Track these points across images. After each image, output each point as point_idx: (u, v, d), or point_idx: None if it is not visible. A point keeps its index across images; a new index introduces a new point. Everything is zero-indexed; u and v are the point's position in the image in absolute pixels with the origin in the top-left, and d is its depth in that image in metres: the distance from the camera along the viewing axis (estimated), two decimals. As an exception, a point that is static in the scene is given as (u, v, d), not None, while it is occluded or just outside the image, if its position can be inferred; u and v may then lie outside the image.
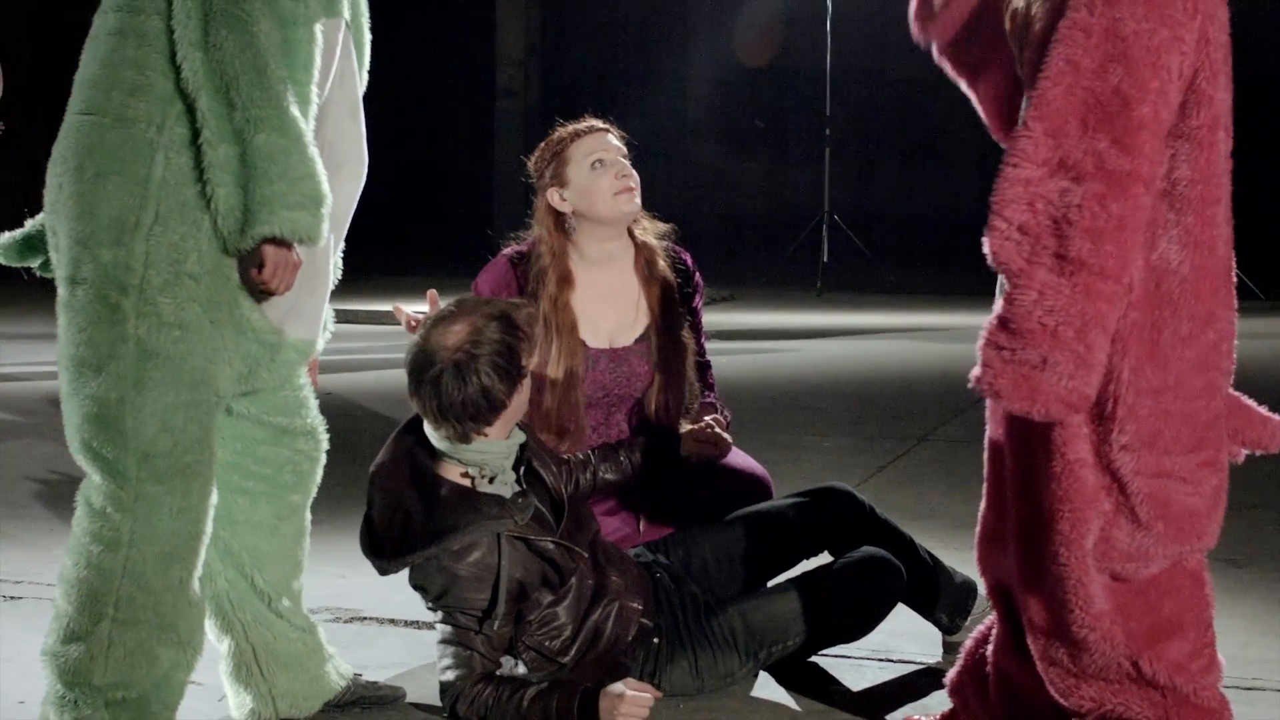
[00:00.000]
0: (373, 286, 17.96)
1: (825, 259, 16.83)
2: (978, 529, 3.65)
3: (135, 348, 3.55)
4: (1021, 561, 3.41)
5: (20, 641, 4.62)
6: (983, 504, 3.65)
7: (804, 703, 4.31)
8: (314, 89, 3.64)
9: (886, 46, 27.09)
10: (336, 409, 4.07)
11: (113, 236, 3.53)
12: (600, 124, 4.76)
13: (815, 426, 8.77)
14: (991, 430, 3.57)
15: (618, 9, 29.02)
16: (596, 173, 4.64)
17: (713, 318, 13.12)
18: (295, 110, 3.51)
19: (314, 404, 3.99)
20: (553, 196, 4.70)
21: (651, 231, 4.84)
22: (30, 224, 3.83)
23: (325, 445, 4.00)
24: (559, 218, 4.71)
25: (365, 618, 5.08)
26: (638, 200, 4.70)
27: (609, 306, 4.77)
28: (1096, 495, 3.25)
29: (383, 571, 4.11)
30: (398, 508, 4.06)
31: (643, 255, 4.79)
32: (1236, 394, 3.50)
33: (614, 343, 4.76)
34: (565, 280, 4.69)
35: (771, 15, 25.36)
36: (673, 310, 4.78)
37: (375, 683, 4.26)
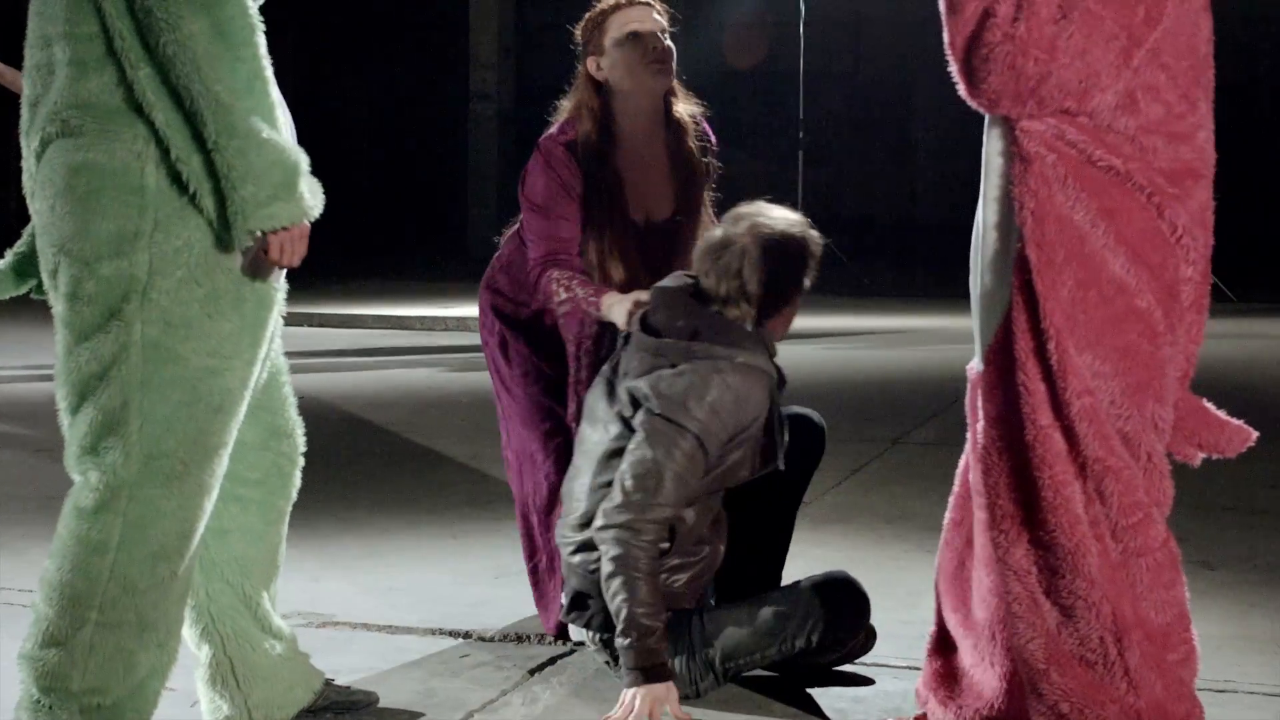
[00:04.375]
0: (345, 289, 17.96)
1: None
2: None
3: (142, 350, 3.56)
4: (989, 551, 3.44)
5: (-8, 647, 4.60)
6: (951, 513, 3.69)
7: (778, 706, 4.32)
8: (261, 59, 3.58)
9: (860, 51, 27.16)
10: (304, 411, 4.07)
11: (113, 249, 3.54)
12: None
13: (789, 429, 8.75)
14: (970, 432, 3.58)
15: (585, 7, 29.00)
16: (631, 44, 4.71)
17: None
18: (240, 103, 3.49)
19: (294, 402, 4.00)
20: (591, 64, 4.78)
21: (685, 110, 4.88)
22: (10, 252, 3.84)
23: (303, 447, 4.00)
24: (597, 85, 4.77)
25: (338, 622, 5.08)
26: (668, 74, 4.75)
27: (641, 178, 4.81)
28: (1068, 458, 3.34)
29: None
30: None
31: (674, 132, 4.85)
32: (1193, 396, 3.53)
33: (649, 216, 4.82)
34: (611, 145, 4.75)
35: (749, 18, 25.39)
36: (695, 193, 4.86)
37: (348, 688, 4.25)
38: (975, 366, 3.58)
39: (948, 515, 3.75)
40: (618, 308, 4.51)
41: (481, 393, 9.84)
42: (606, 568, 4.16)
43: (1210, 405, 3.57)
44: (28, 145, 3.66)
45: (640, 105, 4.79)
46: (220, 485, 3.76)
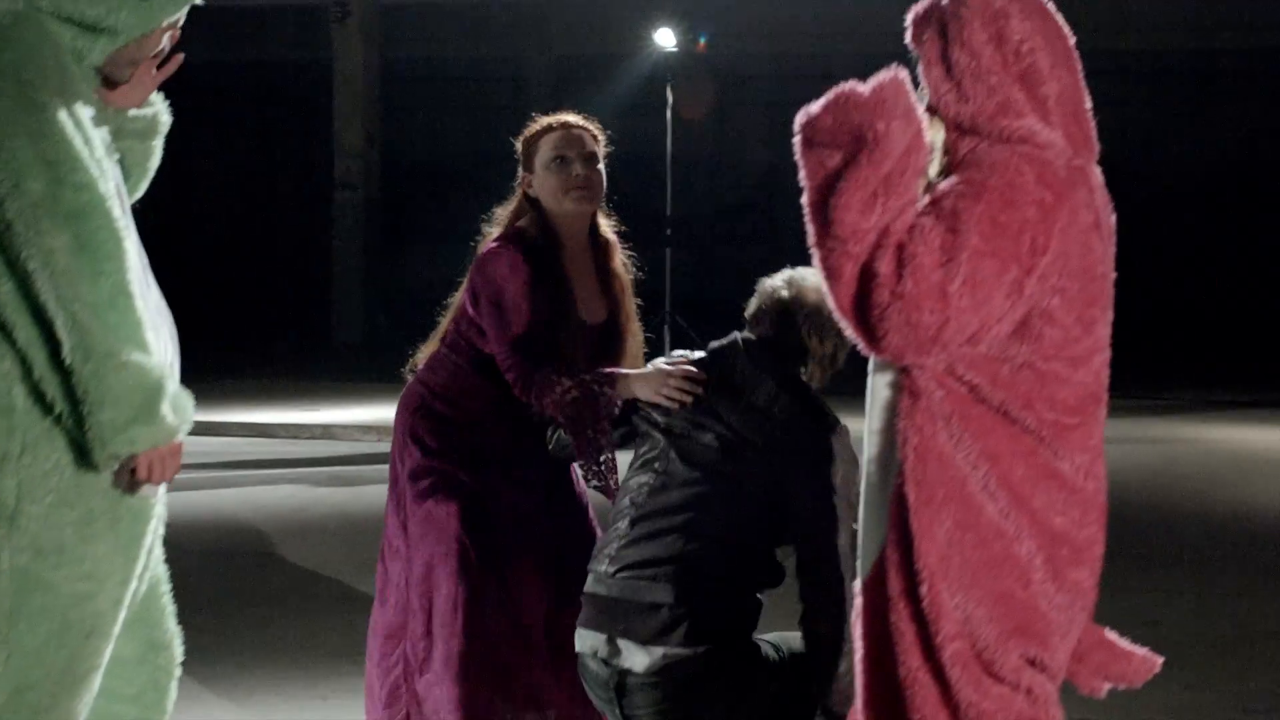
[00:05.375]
0: (209, 389, 17.64)
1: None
2: None
3: (10, 579, 3.44)
4: None
5: None
6: None
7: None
8: (127, 272, 3.46)
9: (725, 136, 27.30)
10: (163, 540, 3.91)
11: None
12: (574, 119, 4.97)
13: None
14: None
15: (452, 96, 28.93)
16: (556, 168, 4.85)
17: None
18: (99, 322, 3.39)
19: (173, 611, 3.86)
20: (525, 181, 4.94)
21: (607, 226, 5.06)
22: None
23: (180, 657, 3.87)
24: (532, 200, 4.93)
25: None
26: (591, 201, 4.90)
27: (577, 285, 4.93)
28: (939, 702, 3.27)
29: None
30: None
31: (601, 249, 5.01)
32: (1096, 627, 3.46)
33: (585, 319, 4.94)
34: (555, 251, 4.89)
35: (618, 104, 25.44)
36: (625, 304, 5.02)
37: None
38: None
39: None
40: (641, 384, 4.54)
41: (349, 516, 9.68)
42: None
43: (1113, 636, 3.50)
44: None
45: (568, 224, 4.92)
46: (95, 702, 3.64)
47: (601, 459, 4.71)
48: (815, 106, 3.24)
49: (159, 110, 3.92)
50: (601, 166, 4.94)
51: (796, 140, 3.27)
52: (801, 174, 3.26)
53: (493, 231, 4.97)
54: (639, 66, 23.45)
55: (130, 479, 3.50)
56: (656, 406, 4.50)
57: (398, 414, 4.97)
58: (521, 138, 4.99)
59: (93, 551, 3.50)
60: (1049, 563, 3.31)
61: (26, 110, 3.40)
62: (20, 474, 3.44)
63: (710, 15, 23.19)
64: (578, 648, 4.41)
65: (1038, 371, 3.29)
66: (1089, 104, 3.41)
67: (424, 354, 5.08)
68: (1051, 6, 3.42)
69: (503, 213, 5.00)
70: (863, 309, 3.19)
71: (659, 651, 4.22)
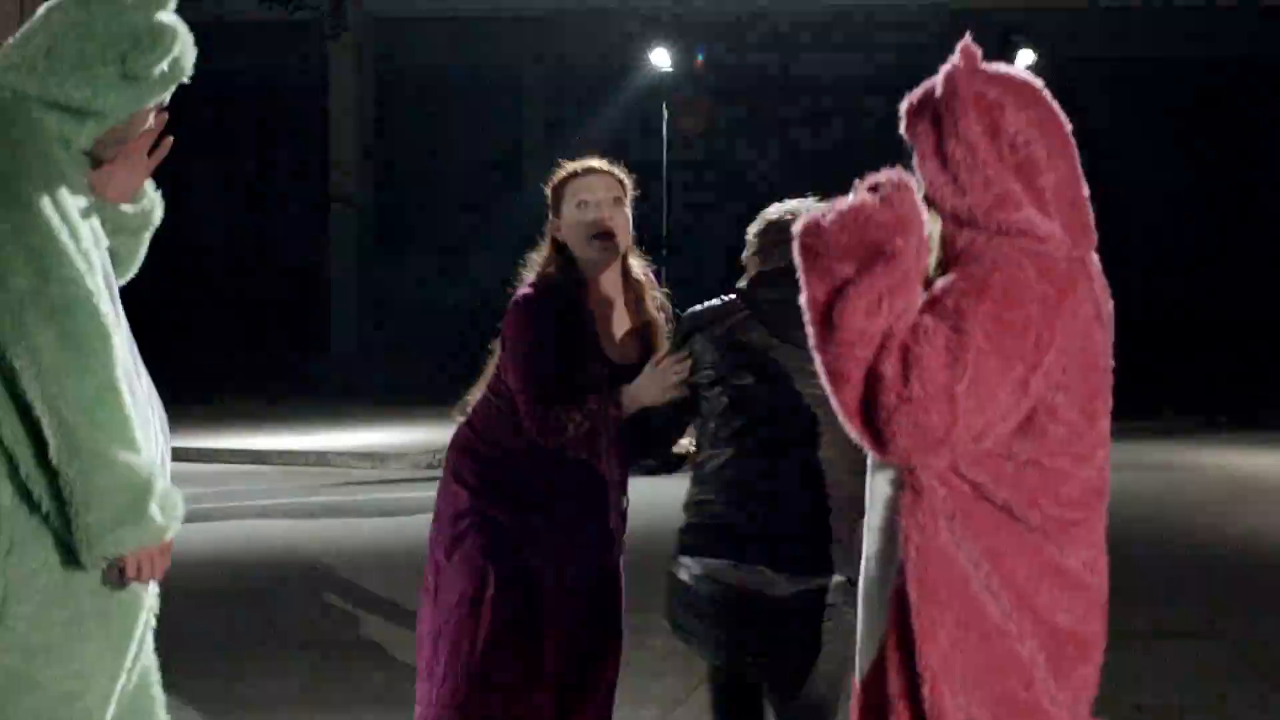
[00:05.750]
0: (204, 413, 17.62)
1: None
2: None
3: (1, 678, 3.38)
4: None
5: None
6: None
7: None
8: (114, 368, 3.40)
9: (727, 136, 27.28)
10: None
11: None
12: (599, 164, 5.01)
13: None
14: None
15: (449, 105, 28.90)
16: (579, 213, 4.90)
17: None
18: (85, 420, 3.33)
19: (164, 701, 3.78)
20: (553, 225, 4.98)
21: (639, 266, 5.08)
22: None
23: None
24: (560, 245, 4.96)
25: None
26: (614, 245, 4.92)
27: (606, 327, 4.98)
28: None
29: None
30: None
31: (633, 292, 5.04)
32: None
33: (616, 359, 4.97)
34: (581, 294, 4.93)
35: (615, 118, 25.43)
36: (656, 344, 5.01)
37: None
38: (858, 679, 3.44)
39: None
40: (645, 390, 4.71)
41: (345, 553, 9.57)
42: None
43: None
44: None
45: (596, 268, 4.95)
46: None
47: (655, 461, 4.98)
48: (826, 220, 3.18)
49: (154, 204, 3.88)
50: (628, 210, 4.99)
51: (797, 245, 3.22)
52: (802, 276, 3.21)
53: (527, 277, 5.01)
54: (636, 83, 23.45)
55: (120, 576, 3.45)
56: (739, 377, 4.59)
57: (447, 453, 5.09)
58: (550, 183, 5.04)
59: (82, 650, 3.45)
60: (1052, 661, 3.26)
61: (10, 204, 3.36)
62: (7, 573, 3.39)
63: (708, 32, 23.16)
64: (703, 573, 4.49)
65: (1042, 468, 3.23)
66: (1086, 191, 3.37)
67: (473, 395, 5.11)
68: (1047, 94, 3.36)
69: (536, 257, 5.03)
70: (870, 413, 3.14)
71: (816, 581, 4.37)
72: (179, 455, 13.04)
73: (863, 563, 3.44)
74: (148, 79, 3.58)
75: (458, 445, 5.04)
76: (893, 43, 26.25)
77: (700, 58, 22.04)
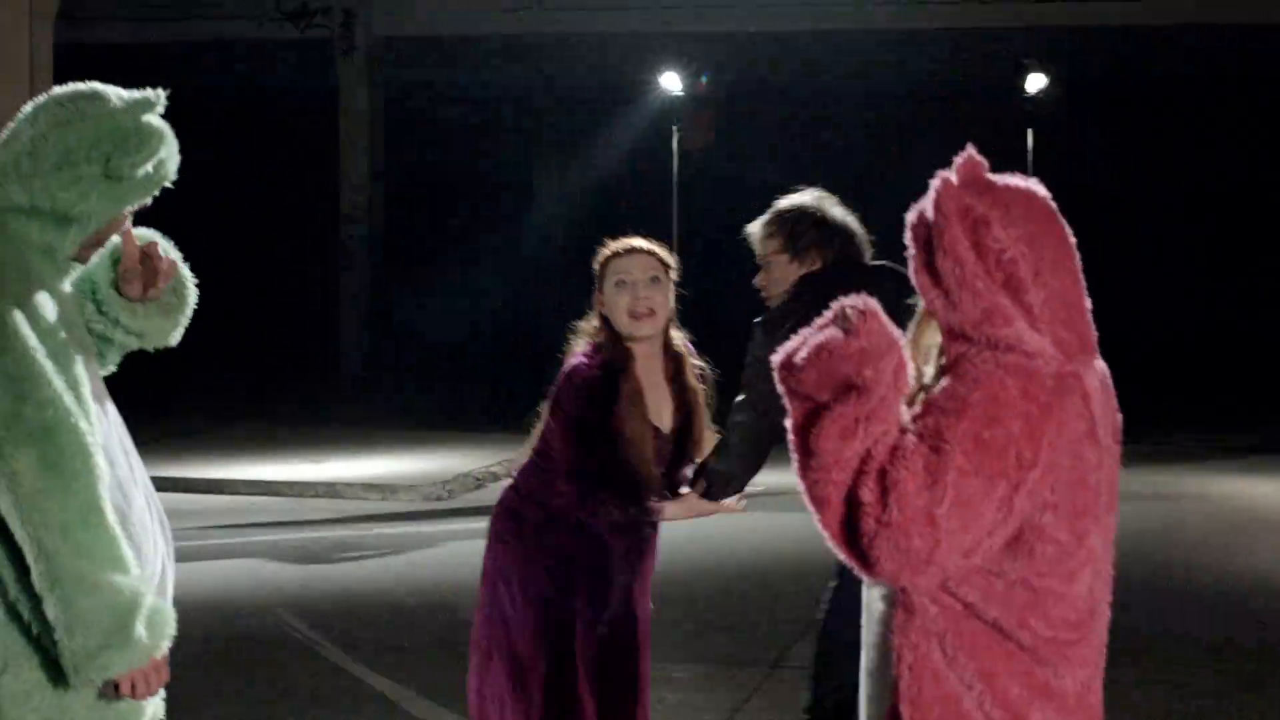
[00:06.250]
0: (213, 439, 17.65)
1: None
2: None
3: None
4: None
5: None
6: None
7: None
8: (96, 488, 3.39)
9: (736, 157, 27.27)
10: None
11: None
12: (639, 245, 5.32)
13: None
14: None
15: (459, 125, 28.93)
16: (619, 292, 5.22)
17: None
18: (67, 545, 3.31)
19: None
20: (598, 300, 5.30)
21: (679, 338, 5.41)
22: None
23: None
24: (604, 318, 5.28)
25: None
26: (650, 324, 5.23)
27: (650, 394, 5.26)
28: None
29: None
30: None
31: (671, 363, 5.33)
32: None
33: (659, 426, 5.31)
34: (627, 363, 5.23)
35: (624, 138, 25.45)
36: (696, 414, 5.37)
37: None
38: None
39: None
40: (682, 510, 5.24)
41: (351, 595, 9.53)
42: None
43: None
44: None
45: (636, 341, 5.25)
46: None
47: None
48: (797, 357, 3.18)
49: (182, 284, 3.87)
50: (668, 288, 5.27)
51: (778, 379, 3.24)
52: (785, 403, 3.23)
53: (576, 345, 5.32)
54: (646, 105, 23.48)
55: (116, 692, 3.45)
56: None
57: (492, 514, 5.39)
58: (596, 260, 5.33)
59: None
60: None
61: None
62: (1, 691, 3.39)
63: (713, 55, 23.19)
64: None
65: (1032, 588, 3.22)
66: (1087, 303, 3.37)
67: (520, 456, 5.42)
68: (1046, 203, 3.34)
69: (585, 327, 5.33)
70: (852, 536, 3.16)
71: None
72: (189, 487, 13.02)
73: (861, 677, 3.46)
74: (131, 179, 3.55)
75: (501, 507, 5.35)
76: (898, 62, 26.27)
77: (705, 79, 22.11)
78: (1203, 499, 13.99)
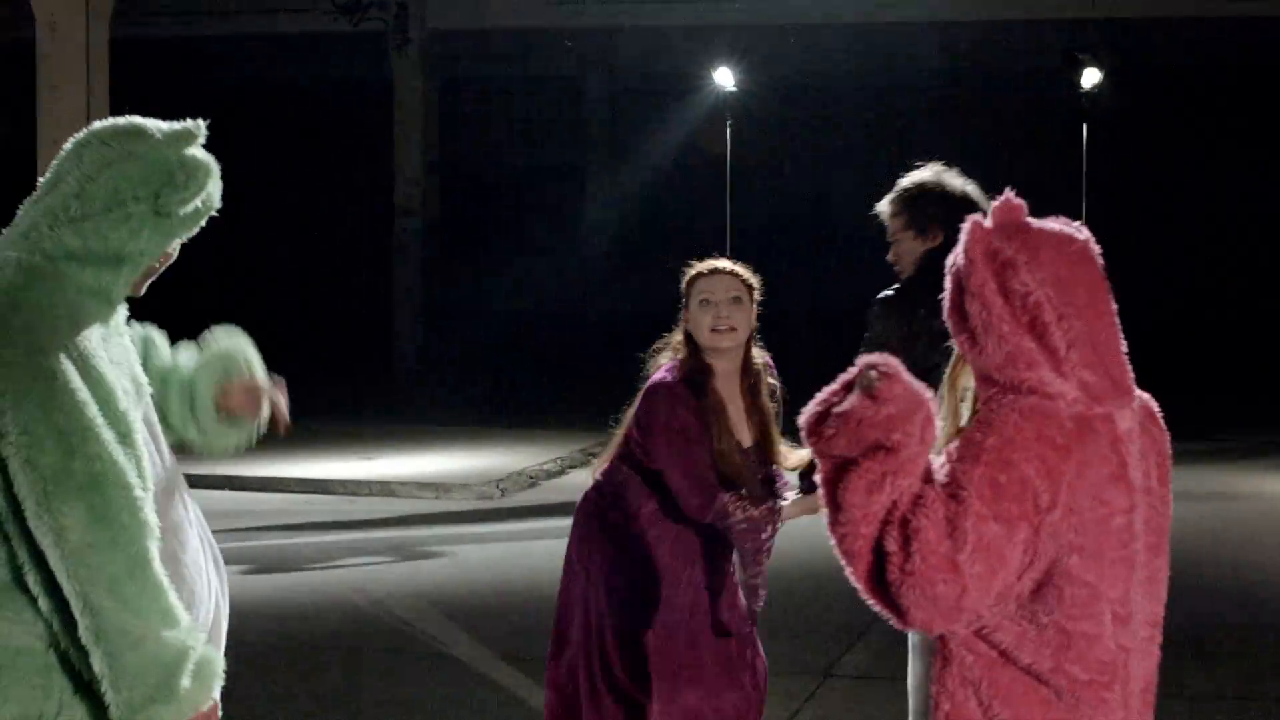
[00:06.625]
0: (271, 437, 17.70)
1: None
2: None
3: None
4: None
5: None
6: None
7: None
8: (146, 540, 3.38)
9: (785, 150, 27.25)
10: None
11: None
12: (723, 266, 5.64)
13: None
14: None
15: (513, 116, 28.98)
16: (703, 310, 5.53)
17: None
18: (112, 601, 3.32)
19: None
20: (686, 318, 5.62)
21: (760, 356, 5.69)
22: None
23: None
24: (688, 335, 5.59)
25: None
26: (730, 339, 5.53)
27: (731, 407, 5.56)
28: None
29: None
30: None
31: (748, 379, 5.61)
32: None
33: (738, 441, 5.57)
34: (709, 378, 5.54)
35: (676, 132, 25.44)
36: (770, 429, 5.64)
37: None
38: None
39: None
40: (793, 509, 5.46)
41: (403, 598, 9.57)
42: None
43: None
44: None
45: (712, 357, 5.55)
46: None
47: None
48: (829, 429, 3.20)
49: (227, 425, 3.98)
50: (749, 307, 5.56)
51: (805, 441, 3.24)
52: (816, 460, 3.24)
53: (659, 361, 5.63)
54: (699, 101, 23.48)
55: None
56: None
57: (575, 515, 5.72)
58: (683, 278, 5.66)
59: None
60: None
61: (36, 377, 3.33)
62: None
63: (763, 47, 23.15)
64: None
65: (1065, 632, 3.24)
66: (1122, 345, 3.35)
67: (601, 461, 5.70)
68: (1084, 249, 3.32)
69: (670, 342, 5.65)
70: (882, 588, 3.17)
71: None
72: (242, 485, 13.08)
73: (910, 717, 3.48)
74: (180, 215, 3.56)
75: (585, 510, 5.68)
76: (943, 52, 26.21)
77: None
78: (1257, 499, 13.91)
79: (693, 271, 5.66)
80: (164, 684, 3.37)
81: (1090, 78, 23.44)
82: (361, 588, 10.63)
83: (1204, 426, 16.83)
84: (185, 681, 3.40)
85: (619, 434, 5.64)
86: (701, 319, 5.53)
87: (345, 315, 27.79)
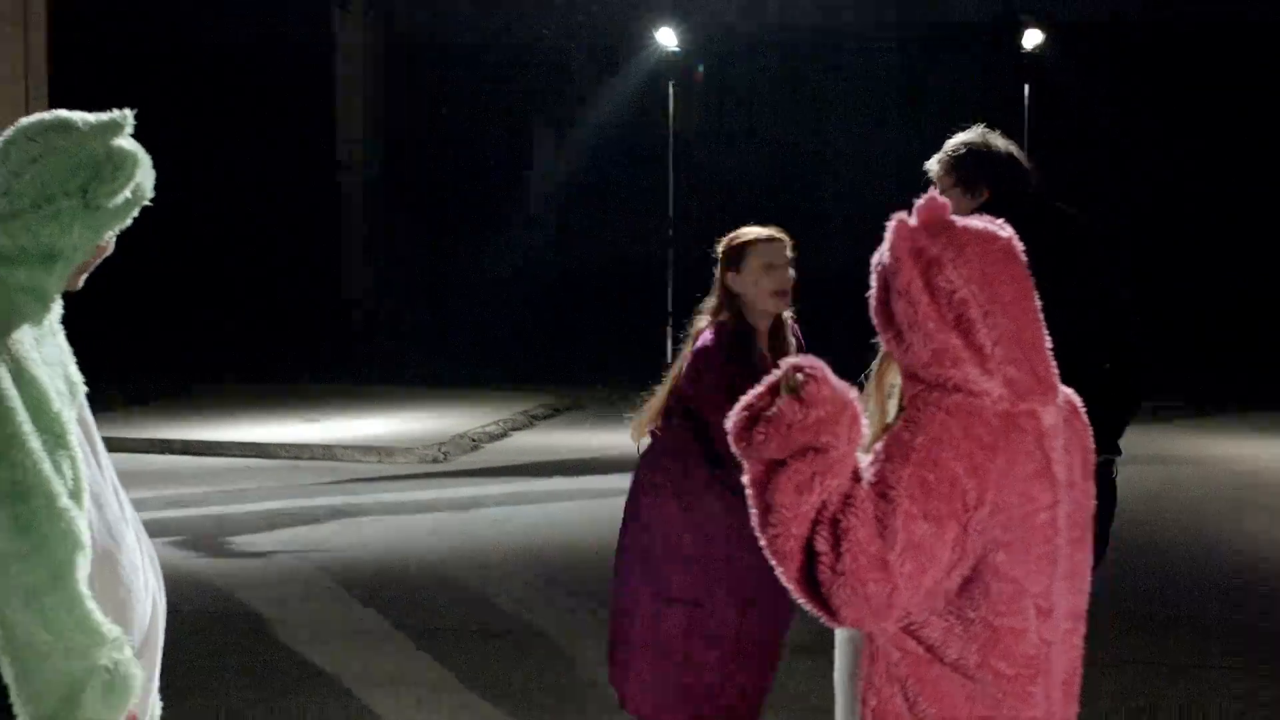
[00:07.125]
0: (206, 401, 17.64)
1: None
2: None
3: None
4: None
5: None
6: None
7: None
8: (71, 555, 3.34)
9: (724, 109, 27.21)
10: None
11: None
12: (779, 234, 5.90)
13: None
14: None
15: (454, 76, 28.85)
16: (767, 274, 5.78)
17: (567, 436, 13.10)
18: (24, 615, 3.29)
19: None
20: (729, 276, 5.83)
21: (788, 314, 5.96)
22: None
23: None
24: (731, 293, 5.82)
25: None
26: (788, 303, 5.86)
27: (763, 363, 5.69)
28: None
29: None
30: None
31: (778, 332, 5.90)
32: None
33: None
34: (751, 337, 5.80)
35: (623, 92, 25.39)
36: None
37: None
38: None
39: None
40: None
41: (350, 567, 9.53)
42: None
43: None
44: None
45: (765, 318, 5.84)
46: None
47: None
48: (759, 435, 3.20)
49: None
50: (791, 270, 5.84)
51: (732, 444, 3.26)
52: (744, 463, 3.26)
53: (702, 320, 5.84)
54: (642, 61, 23.46)
55: None
56: None
57: (638, 466, 5.93)
58: (727, 242, 5.88)
59: None
60: None
61: None
62: None
63: (706, 12, 23.14)
64: None
65: (991, 627, 3.26)
66: (1046, 343, 3.37)
67: (649, 412, 5.88)
68: (1008, 246, 3.34)
69: (708, 304, 5.87)
70: (814, 588, 3.19)
71: None
72: (183, 449, 12.95)
73: (836, 713, 3.50)
74: (110, 207, 3.51)
75: (646, 460, 5.90)
76: (886, 8, 26.20)
77: (700, 69, 22.18)
78: (1197, 463, 13.99)
79: (749, 235, 5.89)
80: (68, 699, 3.33)
81: (1032, 38, 23.49)
82: (303, 553, 10.62)
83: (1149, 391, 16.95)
84: (90, 700, 3.35)
85: (666, 382, 5.85)
86: (765, 282, 5.80)
87: (295, 273, 27.63)
